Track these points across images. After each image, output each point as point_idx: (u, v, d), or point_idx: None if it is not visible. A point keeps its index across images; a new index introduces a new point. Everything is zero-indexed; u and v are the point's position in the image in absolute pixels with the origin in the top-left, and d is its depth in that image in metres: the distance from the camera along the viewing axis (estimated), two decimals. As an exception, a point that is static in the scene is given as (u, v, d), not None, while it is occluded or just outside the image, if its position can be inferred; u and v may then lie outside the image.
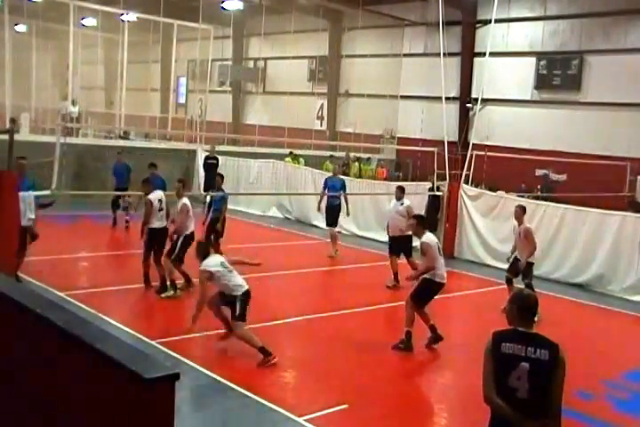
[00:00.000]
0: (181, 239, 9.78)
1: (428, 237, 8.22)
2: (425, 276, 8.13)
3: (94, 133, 25.24)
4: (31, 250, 9.65)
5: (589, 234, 12.36)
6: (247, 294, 7.26)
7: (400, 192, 11.80)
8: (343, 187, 13.83)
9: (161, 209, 9.79)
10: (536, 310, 3.88)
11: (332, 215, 13.73)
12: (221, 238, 11.79)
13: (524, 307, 3.81)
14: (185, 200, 10.07)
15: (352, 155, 24.54)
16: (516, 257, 10.37)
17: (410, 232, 10.88)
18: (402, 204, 11.59)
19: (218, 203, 11.78)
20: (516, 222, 10.37)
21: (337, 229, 14.03)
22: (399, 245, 11.47)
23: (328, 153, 23.63)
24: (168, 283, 9.58)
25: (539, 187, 21.48)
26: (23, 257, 9.37)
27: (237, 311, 7.16)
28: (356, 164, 23.82)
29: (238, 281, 7.32)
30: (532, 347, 3.65)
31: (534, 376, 3.62)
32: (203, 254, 7.49)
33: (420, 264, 8.63)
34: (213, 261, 7.37)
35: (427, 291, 8.16)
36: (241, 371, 7.04)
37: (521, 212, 10.35)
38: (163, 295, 9.53)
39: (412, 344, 7.99)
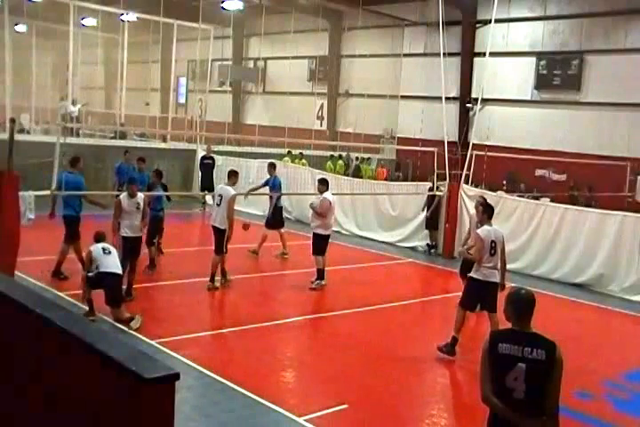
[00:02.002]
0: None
1: (484, 229, 7.87)
2: (470, 274, 7.87)
3: (94, 134, 25.23)
4: (30, 250, 9.66)
5: (589, 234, 12.35)
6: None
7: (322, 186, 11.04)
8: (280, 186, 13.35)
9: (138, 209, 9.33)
10: (533, 309, 3.80)
11: (281, 215, 13.38)
12: (161, 239, 11.68)
13: (520, 306, 3.77)
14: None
15: (344, 154, 24.42)
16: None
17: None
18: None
19: (159, 202, 11.25)
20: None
21: (335, 229, 13.89)
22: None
23: (327, 153, 23.67)
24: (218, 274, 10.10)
25: (504, 182, 21.40)
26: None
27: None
28: (340, 162, 23.57)
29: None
30: (528, 347, 3.64)
31: (531, 377, 3.60)
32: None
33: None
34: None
35: (469, 290, 7.86)
36: (241, 371, 7.04)
37: (480, 205, 10.15)
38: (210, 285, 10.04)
39: (456, 350, 7.70)
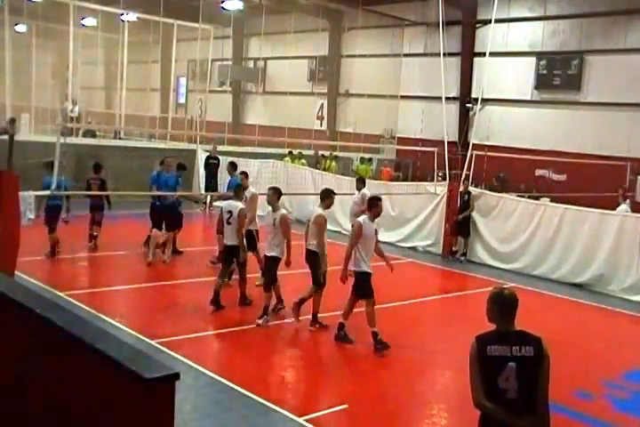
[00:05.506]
0: None
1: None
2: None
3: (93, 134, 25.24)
4: (30, 250, 9.66)
5: (589, 234, 12.36)
6: None
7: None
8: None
9: None
10: (517, 308, 3.79)
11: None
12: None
13: (505, 306, 3.77)
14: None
15: (320, 153, 23.92)
16: None
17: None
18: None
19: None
20: (269, 208, 8.97)
21: (336, 229, 14.00)
22: None
23: (326, 152, 23.48)
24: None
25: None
26: None
27: None
28: (322, 160, 23.26)
29: None
30: (517, 346, 3.66)
31: (522, 375, 3.63)
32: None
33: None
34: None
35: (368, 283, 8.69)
36: (241, 371, 7.04)
37: (274, 196, 8.87)
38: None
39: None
